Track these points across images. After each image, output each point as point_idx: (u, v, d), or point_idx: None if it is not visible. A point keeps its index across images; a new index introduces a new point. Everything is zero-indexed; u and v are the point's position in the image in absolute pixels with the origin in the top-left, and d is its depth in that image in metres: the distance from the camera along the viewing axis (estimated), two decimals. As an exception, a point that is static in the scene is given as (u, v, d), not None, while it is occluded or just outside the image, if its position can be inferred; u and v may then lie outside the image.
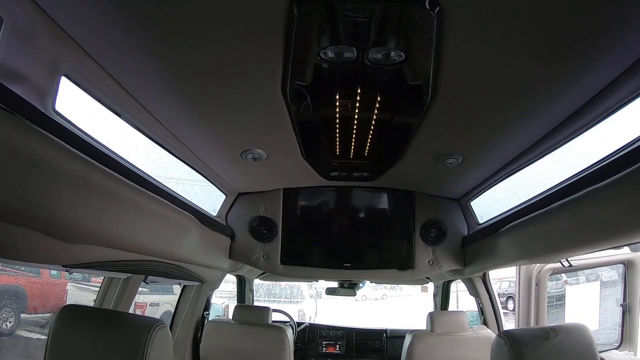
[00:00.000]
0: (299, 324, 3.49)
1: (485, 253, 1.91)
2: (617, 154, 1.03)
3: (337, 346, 3.44)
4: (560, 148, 1.31)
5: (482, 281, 2.43)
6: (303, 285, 10.92)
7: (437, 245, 2.13)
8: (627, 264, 2.69)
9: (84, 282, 5.08)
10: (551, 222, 1.33)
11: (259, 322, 2.30)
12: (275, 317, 3.06)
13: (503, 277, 9.31)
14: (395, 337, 3.36)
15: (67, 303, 4.91)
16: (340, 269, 2.18)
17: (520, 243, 1.58)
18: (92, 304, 5.54)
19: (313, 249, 2.20)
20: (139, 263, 1.53)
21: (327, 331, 3.52)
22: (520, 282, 2.69)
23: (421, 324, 2.36)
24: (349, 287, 3.09)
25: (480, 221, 2.09)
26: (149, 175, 1.32)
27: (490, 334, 2.16)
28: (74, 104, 1.01)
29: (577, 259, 2.71)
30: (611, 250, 2.59)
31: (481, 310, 2.46)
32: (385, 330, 3.48)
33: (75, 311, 1.02)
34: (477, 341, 2.10)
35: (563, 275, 3.75)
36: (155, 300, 5.03)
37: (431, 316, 2.21)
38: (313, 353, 3.43)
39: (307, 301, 10.83)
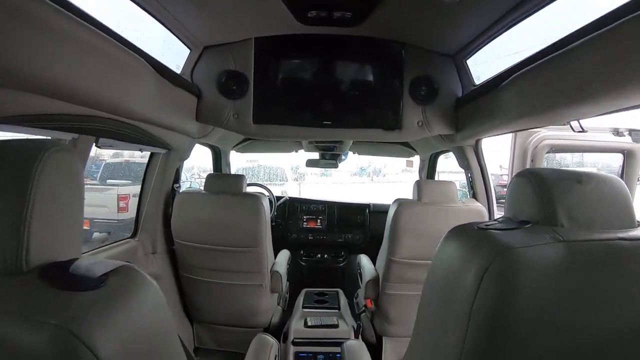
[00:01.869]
0: (278, 198, 3.38)
1: (482, 114, 1.71)
2: None
3: (319, 221, 3.37)
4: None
5: (474, 151, 2.24)
6: (287, 169, 11.01)
7: (427, 105, 1.94)
8: (627, 154, 2.56)
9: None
10: (565, 66, 1.10)
11: (232, 190, 2.13)
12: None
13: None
14: (378, 212, 3.29)
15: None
16: (320, 127, 1.98)
17: (524, 97, 1.36)
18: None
19: (289, 106, 1.96)
20: (85, 119, 1.29)
21: (307, 205, 3.42)
22: (514, 158, 2.52)
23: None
24: (330, 159, 2.93)
25: (477, 82, 1.87)
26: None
27: (482, 207, 2.03)
28: None
29: (579, 139, 2.54)
30: (613, 137, 2.49)
31: (471, 184, 2.32)
32: (368, 205, 3.39)
33: None
34: (468, 213, 1.97)
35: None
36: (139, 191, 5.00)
37: (418, 184, 2.05)
38: (293, 228, 3.37)
39: (290, 184, 11.02)
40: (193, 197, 2.16)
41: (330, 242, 3.34)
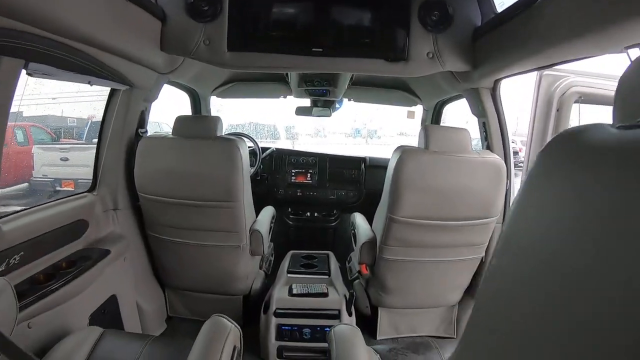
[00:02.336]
0: (264, 149, 3.03)
1: (506, 46, 1.45)
2: None
3: (309, 175, 3.04)
4: None
5: (491, 95, 1.92)
6: (279, 127, 10.68)
7: (440, 33, 1.68)
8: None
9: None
10: None
11: (205, 134, 1.79)
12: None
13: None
14: (375, 167, 2.98)
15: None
16: (309, 56, 1.69)
17: (566, 15, 1.08)
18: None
19: (271, 29, 1.68)
20: (9, 34, 1.02)
21: (296, 157, 3.08)
22: (537, 108, 2.18)
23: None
24: (323, 106, 2.59)
25: (499, 10, 1.60)
26: None
27: (500, 160, 1.71)
28: None
29: (613, 90, 2.20)
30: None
31: (485, 134, 1.99)
32: (364, 159, 3.06)
33: None
34: (484, 166, 1.66)
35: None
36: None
37: (426, 130, 1.73)
38: (280, 183, 3.05)
39: (283, 142, 10.72)
40: (159, 142, 1.82)
41: (321, 198, 3.04)
